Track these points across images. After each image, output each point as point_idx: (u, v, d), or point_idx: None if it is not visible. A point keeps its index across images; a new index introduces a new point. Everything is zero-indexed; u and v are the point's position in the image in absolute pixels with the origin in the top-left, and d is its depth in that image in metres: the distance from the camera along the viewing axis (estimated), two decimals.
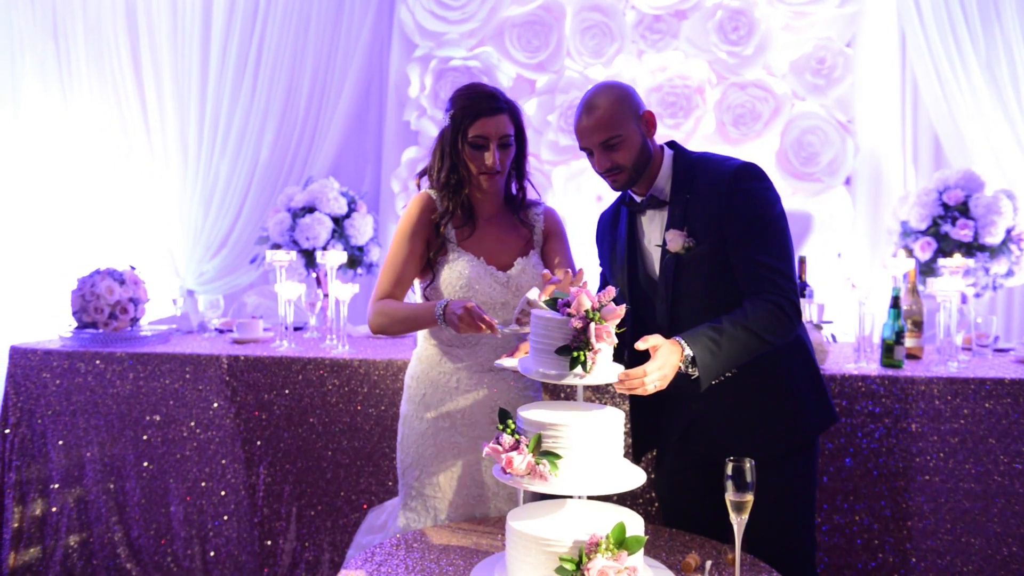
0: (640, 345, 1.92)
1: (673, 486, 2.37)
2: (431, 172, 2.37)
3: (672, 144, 2.26)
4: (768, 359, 2.13)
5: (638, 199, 2.24)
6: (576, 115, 2.18)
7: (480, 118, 2.26)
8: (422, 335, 2.41)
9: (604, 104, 2.13)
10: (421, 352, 2.41)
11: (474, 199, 2.35)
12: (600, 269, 2.47)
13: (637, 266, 2.27)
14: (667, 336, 1.99)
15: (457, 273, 2.27)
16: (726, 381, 2.13)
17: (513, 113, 2.33)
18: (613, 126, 2.12)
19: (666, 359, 1.91)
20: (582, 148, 2.20)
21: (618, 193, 2.32)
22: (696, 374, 1.96)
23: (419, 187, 2.41)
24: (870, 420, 2.79)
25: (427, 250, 2.33)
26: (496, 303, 2.30)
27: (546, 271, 2.10)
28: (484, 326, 2.05)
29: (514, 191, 2.44)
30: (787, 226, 2.14)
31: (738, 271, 2.10)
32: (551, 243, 2.44)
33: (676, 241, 2.14)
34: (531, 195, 2.48)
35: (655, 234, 2.22)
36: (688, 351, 1.94)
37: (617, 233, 2.32)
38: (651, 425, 2.33)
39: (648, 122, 2.18)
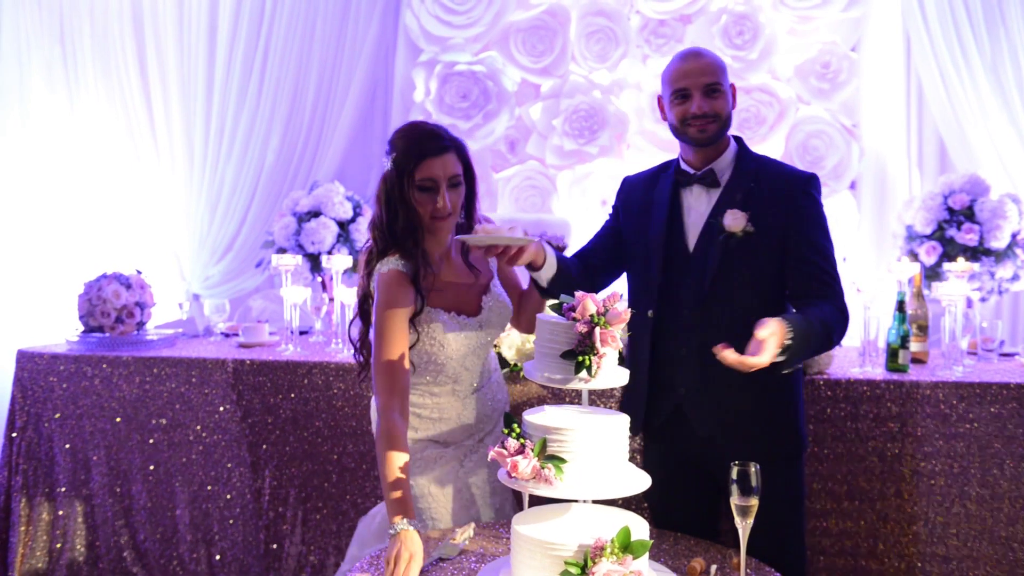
0: (762, 333, 1.91)
1: (662, 487, 2.36)
2: (380, 224, 2.22)
3: (738, 138, 2.31)
4: (773, 368, 2.15)
5: (691, 171, 2.26)
6: (675, 62, 2.23)
7: (425, 159, 2.13)
8: None
9: (709, 55, 2.22)
10: None
11: (426, 244, 2.24)
12: (606, 222, 2.45)
13: (674, 237, 2.26)
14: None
15: (432, 338, 2.22)
16: (723, 375, 2.11)
17: (460, 151, 2.20)
18: (717, 74, 2.19)
19: (774, 330, 1.92)
20: (677, 89, 2.20)
21: (654, 159, 2.38)
22: (783, 358, 1.99)
23: (373, 240, 2.26)
24: (875, 424, 2.79)
25: (411, 323, 2.19)
26: (470, 349, 2.27)
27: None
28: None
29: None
30: None
31: (798, 272, 2.16)
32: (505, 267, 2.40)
33: (737, 221, 2.16)
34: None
35: (699, 210, 2.24)
36: (789, 339, 1.95)
37: (653, 197, 2.31)
38: (639, 405, 2.32)
39: (734, 93, 2.25)
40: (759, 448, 2.12)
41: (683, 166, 2.29)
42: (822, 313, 2.10)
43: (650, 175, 2.38)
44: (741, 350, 2.14)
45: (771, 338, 1.91)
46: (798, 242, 2.17)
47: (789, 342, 1.96)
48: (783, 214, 2.17)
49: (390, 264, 2.19)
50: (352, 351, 2.44)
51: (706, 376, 2.20)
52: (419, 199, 2.16)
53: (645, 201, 2.33)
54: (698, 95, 2.18)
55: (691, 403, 2.24)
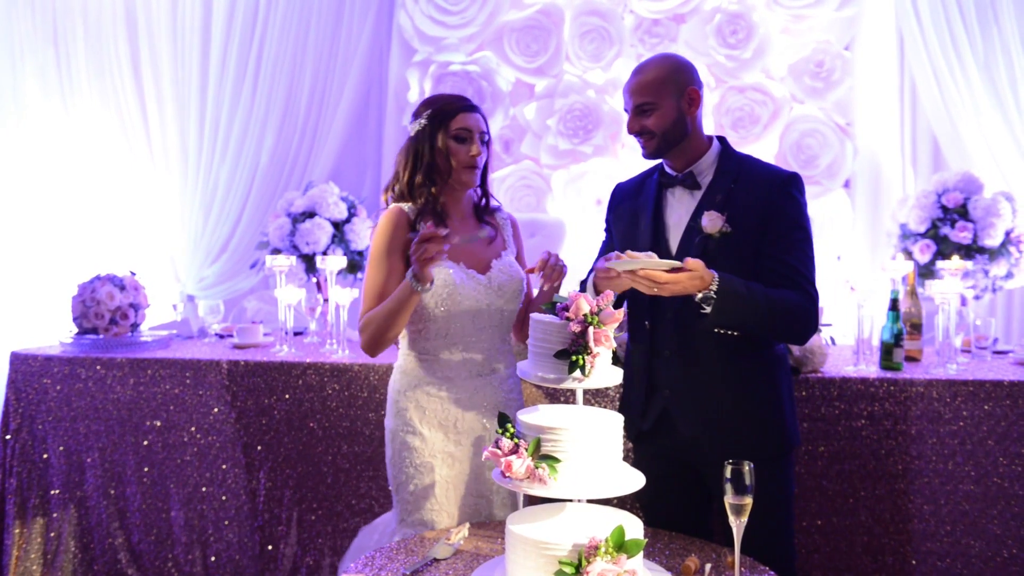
0: (689, 264, 2.01)
1: (653, 486, 2.37)
2: (400, 180, 2.36)
3: (721, 139, 2.33)
4: (753, 366, 2.22)
5: (673, 173, 2.29)
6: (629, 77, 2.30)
7: (461, 112, 2.31)
8: (405, 347, 2.37)
9: (649, 70, 2.24)
10: (405, 365, 2.37)
11: (446, 203, 2.34)
12: (603, 239, 2.49)
13: (659, 239, 2.30)
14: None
15: (442, 280, 2.25)
16: (707, 375, 2.20)
17: (483, 115, 2.38)
18: (649, 93, 2.22)
19: (698, 267, 2.01)
20: (625, 109, 2.28)
21: (648, 163, 2.37)
22: (708, 310, 2.05)
23: (387, 202, 2.38)
24: (869, 423, 2.79)
25: (406, 265, 2.28)
26: (480, 305, 2.30)
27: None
28: (438, 239, 2.07)
29: (478, 197, 2.45)
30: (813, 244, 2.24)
31: (768, 270, 2.16)
32: (520, 251, 2.49)
33: (714, 223, 2.18)
34: (492, 203, 2.49)
35: (681, 212, 2.27)
36: (715, 286, 2.03)
37: (640, 202, 2.35)
38: (636, 407, 2.36)
39: (691, 99, 2.24)
40: (744, 448, 2.12)
41: (666, 168, 2.32)
42: (775, 294, 2.11)
43: (638, 181, 2.43)
44: (721, 350, 2.19)
45: (691, 274, 2.00)
46: (772, 241, 2.17)
47: (712, 294, 2.03)
48: (760, 214, 2.17)
49: (395, 204, 2.34)
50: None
51: (689, 377, 2.22)
52: (454, 149, 2.30)
53: (633, 208, 2.37)
54: (631, 115, 2.26)
55: (676, 404, 2.26)
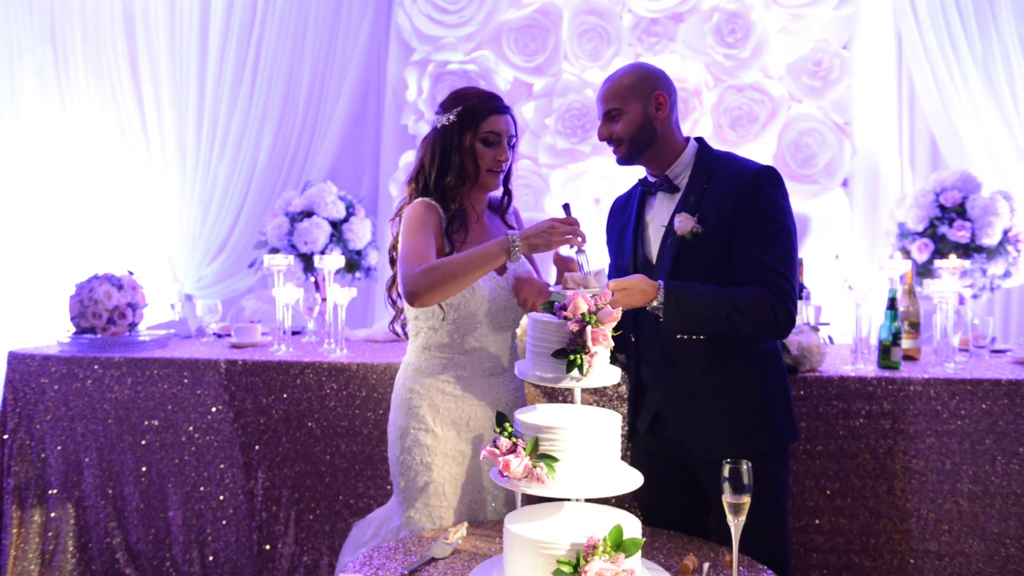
0: (612, 283, 2.03)
1: (649, 485, 2.37)
2: (427, 174, 2.31)
3: (699, 139, 2.33)
4: (738, 366, 2.21)
5: (652, 179, 2.31)
6: None
7: (493, 114, 2.28)
8: (419, 344, 2.36)
9: (618, 78, 2.27)
10: (419, 362, 2.35)
11: (466, 202, 2.34)
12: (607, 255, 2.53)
13: (639, 245, 2.32)
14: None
15: None
16: (692, 377, 2.20)
17: (513, 117, 2.37)
18: (616, 99, 2.24)
19: (635, 284, 2.05)
20: (598, 116, 2.31)
21: (624, 169, 2.40)
22: (662, 317, 2.09)
23: (410, 195, 2.36)
24: (867, 422, 2.79)
25: (437, 248, 2.27)
26: (498, 306, 2.31)
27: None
28: (573, 236, 2.07)
29: (500, 195, 2.45)
30: (796, 237, 2.20)
31: (739, 267, 2.14)
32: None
33: (685, 224, 2.17)
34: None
35: (662, 216, 2.27)
36: (661, 296, 2.07)
37: (627, 211, 2.39)
38: (631, 412, 2.42)
39: (658, 104, 2.24)
40: (732, 446, 2.13)
41: (647, 176, 2.34)
42: (733, 294, 2.09)
43: (628, 193, 2.46)
44: (704, 352, 2.20)
45: (625, 291, 2.03)
46: (743, 237, 2.14)
47: (659, 304, 2.06)
48: (731, 211, 2.15)
49: (422, 199, 2.29)
50: (391, 319, 2.48)
51: (675, 381, 2.24)
52: (481, 151, 2.28)
53: (622, 219, 2.40)
54: (601, 121, 2.28)
55: (666, 407, 2.27)
